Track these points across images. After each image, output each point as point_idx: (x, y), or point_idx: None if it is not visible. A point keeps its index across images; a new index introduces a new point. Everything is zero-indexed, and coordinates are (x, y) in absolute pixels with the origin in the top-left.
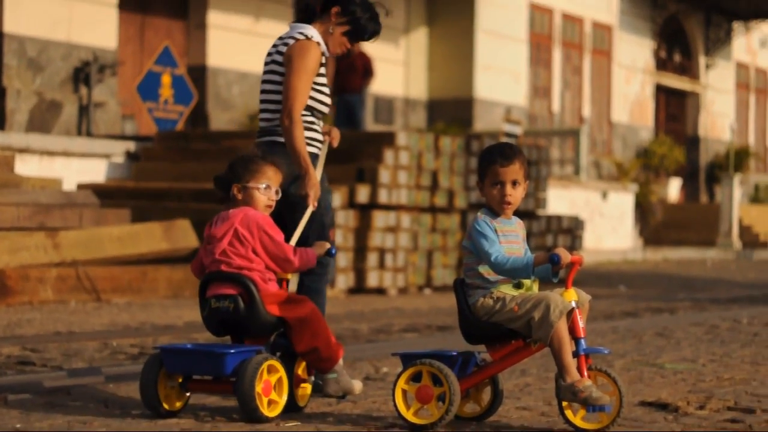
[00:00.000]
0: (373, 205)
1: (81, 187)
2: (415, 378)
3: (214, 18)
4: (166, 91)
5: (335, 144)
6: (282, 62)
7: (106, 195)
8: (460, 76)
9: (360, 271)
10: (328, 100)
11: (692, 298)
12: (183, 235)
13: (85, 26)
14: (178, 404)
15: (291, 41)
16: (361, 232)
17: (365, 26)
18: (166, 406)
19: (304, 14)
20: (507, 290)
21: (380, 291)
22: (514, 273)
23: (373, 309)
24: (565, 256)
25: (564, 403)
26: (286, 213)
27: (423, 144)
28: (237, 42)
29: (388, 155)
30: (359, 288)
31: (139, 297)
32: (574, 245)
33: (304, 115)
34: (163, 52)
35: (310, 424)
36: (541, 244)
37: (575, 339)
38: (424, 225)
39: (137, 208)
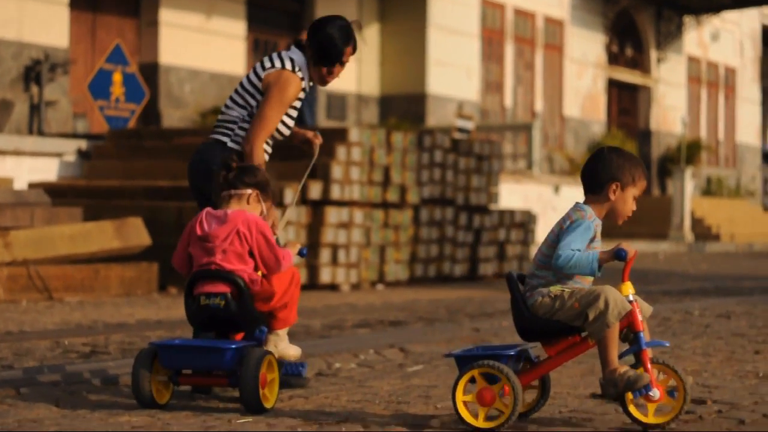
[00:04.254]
0: (325, 201)
1: (32, 186)
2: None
3: (166, 16)
4: (117, 89)
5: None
6: (260, 77)
7: (57, 194)
8: (413, 71)
9: (313, 268)
10: (287, 131)
11: (644, 290)
12: (135, 233)
13: (36, 25)
14: (166, 397)
15: (278, 65)
16: (314, 229)
17: (329, 49)
18: (157, 399)
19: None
20: (563, 286)
21: (333, 287)
22: (578, 270)
23: (325, 305)
24: (630, 250)
25: (629, 400)
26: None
27: (375, 140)
28: (189, 40)
29: (341, 151)
30: (312, 284)
31: (92, 295)
32: (527, 239)
33: None
34: (114, 50)
35: (261, 420)
36: (493, 238)
37: (634, 333)
38: (376, 221)
39: (89, 206)
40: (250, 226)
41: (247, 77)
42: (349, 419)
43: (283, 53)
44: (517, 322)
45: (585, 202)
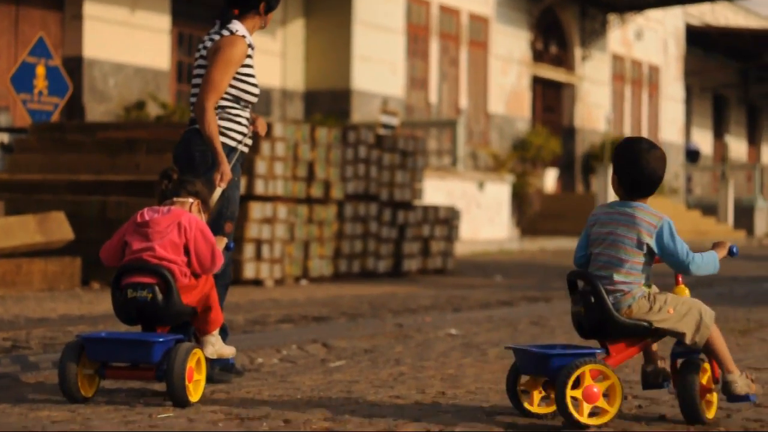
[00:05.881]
0: (249, 196)
1: None
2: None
3: (90, 9)
4: (40, 82)
5: (262, 132)
6: (206, 56)
7: None
8: (338, 67)
9: (236, 263)
10: (255, 90)
11: (563, 287)
12: (58, 227)
13: None
14: (92, 391)
15: (216, 37)
16: (238, 224)
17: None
18: (82, 392)
19: (225, 17)
20: (648, 288)
21: (257, 282)
22: (706, 271)
23: (249, 300)
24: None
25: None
26: None
27: (299, 135)
28: (113, 33)
29: (265, 146)
30: (236, 279)
31: (14, 290)
32: (451, 235)
33: (229, 107)
34: (38, 43)
35: (182, 415)
36: (417, 234)
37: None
38: (300, 216)
39: (11, 200)
40: (191, 222)
41: (199, 67)
42: (270, 414)
43: (223, 29)
44: (591, 321)
45: (639, 201)
